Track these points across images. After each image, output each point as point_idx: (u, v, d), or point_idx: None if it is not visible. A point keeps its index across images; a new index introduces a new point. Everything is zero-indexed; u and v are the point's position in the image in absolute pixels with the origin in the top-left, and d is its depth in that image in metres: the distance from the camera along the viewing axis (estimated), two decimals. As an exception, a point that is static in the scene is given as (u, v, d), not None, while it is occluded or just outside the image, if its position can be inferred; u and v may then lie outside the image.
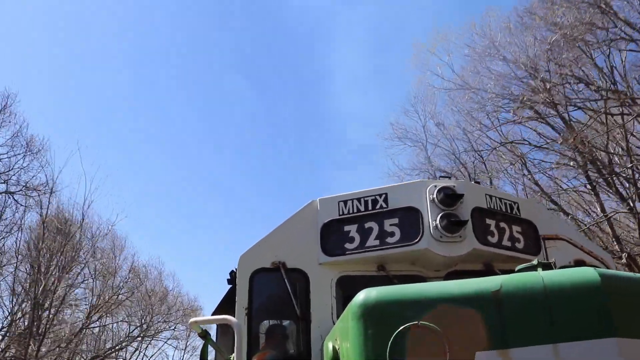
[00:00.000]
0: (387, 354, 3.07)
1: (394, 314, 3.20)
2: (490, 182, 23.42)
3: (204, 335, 5.45)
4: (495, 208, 5.80)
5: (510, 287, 3.16)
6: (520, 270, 3.49)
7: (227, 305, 6.43)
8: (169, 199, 65.84)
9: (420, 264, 5.61)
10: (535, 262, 3.50)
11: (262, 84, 68.33)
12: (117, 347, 39.19)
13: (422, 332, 3.08)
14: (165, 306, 40.77)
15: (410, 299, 3.29)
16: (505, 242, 5.71)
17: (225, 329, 7.32)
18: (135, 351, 41.45)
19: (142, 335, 38.67)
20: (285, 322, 6.11)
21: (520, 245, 5.79)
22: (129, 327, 39.70)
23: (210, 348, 6.22)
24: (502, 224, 5.77)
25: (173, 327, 41.77)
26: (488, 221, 5.68)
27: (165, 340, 42.92)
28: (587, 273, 3.10)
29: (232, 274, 6.38)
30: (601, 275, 3.05)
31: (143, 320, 38.73)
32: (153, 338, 41.25)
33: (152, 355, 43.92)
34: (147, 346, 42.33)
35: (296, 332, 5.60)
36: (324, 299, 5.51)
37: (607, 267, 5.93)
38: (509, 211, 5.90)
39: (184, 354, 49.27)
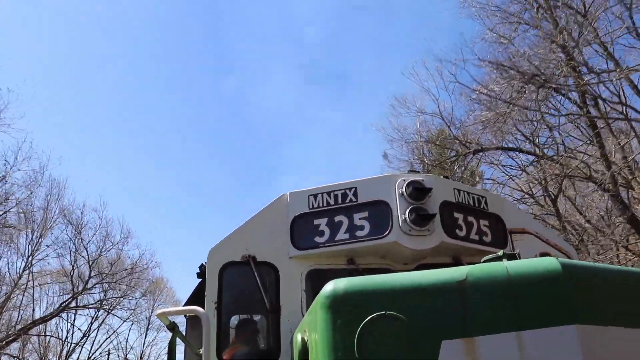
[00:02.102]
0: (355, 343, 3.09)
1: (362, 304, 3.22)
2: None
3: (172, 327, 5.38)
4: (464, 202, 5.89)
5: (475, 277, 3.21)
6: (486, 261, 3.55)
7: (196, 299, 6.38)
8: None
9: (390, 257, 5.67)
10: (500, 253, 3.56)
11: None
12: (41, 319, 30.89)
13: (390, 322, 3.11)
14: (107, 266, 32.84)
15: (378, 289, 3.31)
16: (473, 236, 5.81)
17: (194, 323, 7.27)
18: (83, 337, 34.10)
19: (75, 299, 30.77)
20: (256, 317, 6.09)
21: (487, 239, 5.89)
22: (61, 295, 32.17)
23: (179, 341, 6.16)
24: (470, 218, 5.86)
25: (121, 295, 33.73)
26: (456, 215, 5.76)
27: (124, 319, 35.53)
28: (550, 262, 3.17)
29: (202, 267, 6.34)
30: (562, 265, 3.13)
31: (75, 286, 30.80)
32: (109, 312, 33.77)
33: (103, 341, 36.74)
34: (99, 326, 34.93)
35: (266, 325, 5.59)
36: (294, 293, 5.52)
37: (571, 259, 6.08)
38: (476, 205, 5.99)
39: (146, 334, 40.41)
